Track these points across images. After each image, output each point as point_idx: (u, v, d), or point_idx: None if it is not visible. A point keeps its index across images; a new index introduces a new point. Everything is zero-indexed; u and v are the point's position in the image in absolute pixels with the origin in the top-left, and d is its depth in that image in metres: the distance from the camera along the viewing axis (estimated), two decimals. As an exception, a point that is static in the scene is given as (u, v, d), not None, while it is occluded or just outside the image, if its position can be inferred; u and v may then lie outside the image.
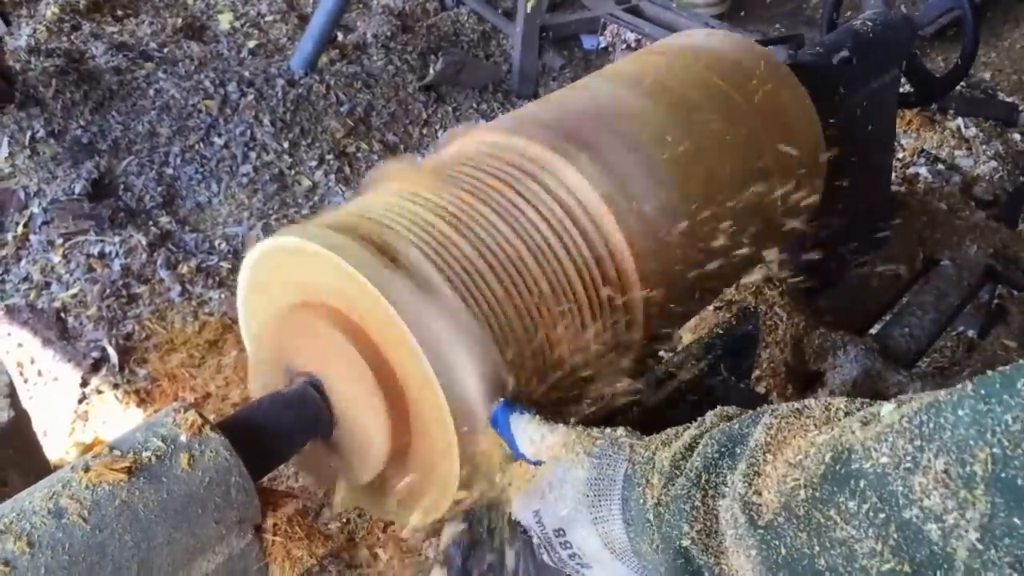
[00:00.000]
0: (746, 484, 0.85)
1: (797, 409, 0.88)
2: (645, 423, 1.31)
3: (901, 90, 2.20)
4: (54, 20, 4.37)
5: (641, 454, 1.01)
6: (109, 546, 0.99)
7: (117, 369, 2.89)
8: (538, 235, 1.29)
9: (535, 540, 1.12)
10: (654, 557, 0.97)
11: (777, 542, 0.80)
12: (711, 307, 1.97)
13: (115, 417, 2.76)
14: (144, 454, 1.05)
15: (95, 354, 2.92)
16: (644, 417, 1.34)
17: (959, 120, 2.77)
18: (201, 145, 3.79)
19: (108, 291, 3.12)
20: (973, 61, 2.16)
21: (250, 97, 4.00)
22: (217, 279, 3.25)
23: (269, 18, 4.74)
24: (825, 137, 1.75)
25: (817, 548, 0.76)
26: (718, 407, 1.01)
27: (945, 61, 4.46)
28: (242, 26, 4.65)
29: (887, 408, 0.76)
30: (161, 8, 4.74)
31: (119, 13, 4.65)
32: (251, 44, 4.47)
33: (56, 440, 2.66)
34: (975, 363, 1.97)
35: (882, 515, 0.70)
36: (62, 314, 3.05)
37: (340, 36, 4.55)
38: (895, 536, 0.69)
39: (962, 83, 2.72)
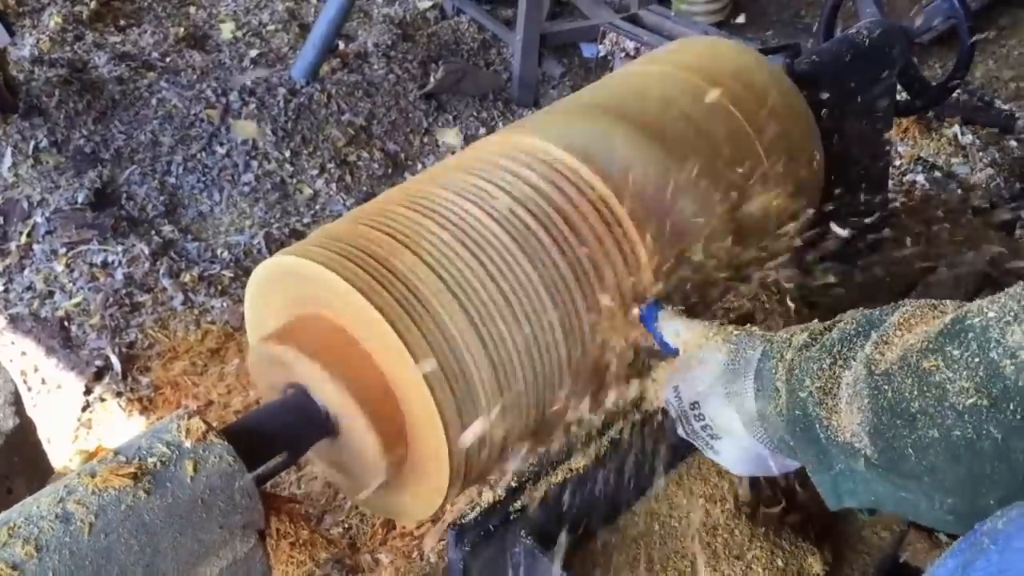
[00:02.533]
0: (873, 347, 0.94)
1: (934, 304, 0.97)
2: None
3: (897, 98, 2.22)
4: (57, 30, 4.40)
5: (780, 336, 1.12)
6: (115, 551, 1.01)
7: (120, 377, 2.91)
8: (534, 239, 1.31)
9: (672, 414, 1.24)
10: (776, 419, 1.07)
11: (887, 387, 0.88)
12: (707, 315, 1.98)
13: (118, 425, 2.77)
14: (149, 460, 1.06)
15: (98, 362, 2.93)
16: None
17: (956, 127, 2.79)
18: (203, 154, 3.82)
19: (111, 300, 3.14)
20: (968, 68, 2.18)
21: (252, 106, 4.02)
22: (219, 287, 3.26)
23: (271, 27, 4.77)
24: (822, 145, 1.76)
25: (916, 391, 0.84)
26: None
27: (943, 68, 4.48)
28: (244, 35, 4.68)
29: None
30: (163, 18, 4.77)
31: (122, 23, 4.68)
32: (253, 53, 4.49)
33: (60, 448, 2.68)
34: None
35: (976, 359, 0.79)
36: (65, 323, 3.06)
37: (341, 45, 4.58)
38: (981, 374, 0.78)
39: (959, 90, 2.74)
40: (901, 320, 0.95)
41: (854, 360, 0.96)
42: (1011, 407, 0.76)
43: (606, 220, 1.35)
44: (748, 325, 1.21)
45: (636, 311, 1.32)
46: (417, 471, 1.26)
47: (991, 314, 0.80)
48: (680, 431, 1.23)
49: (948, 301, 0.97)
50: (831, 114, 1.87)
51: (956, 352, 0.82)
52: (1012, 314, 0.78)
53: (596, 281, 1.33)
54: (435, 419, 1.16)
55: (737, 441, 1.16)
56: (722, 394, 1.14)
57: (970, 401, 0.79)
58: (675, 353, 1.26)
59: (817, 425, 0.99)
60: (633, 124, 1.48)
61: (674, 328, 1.26)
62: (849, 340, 1.00)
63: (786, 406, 1.04)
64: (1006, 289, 0.84)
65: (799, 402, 1.01)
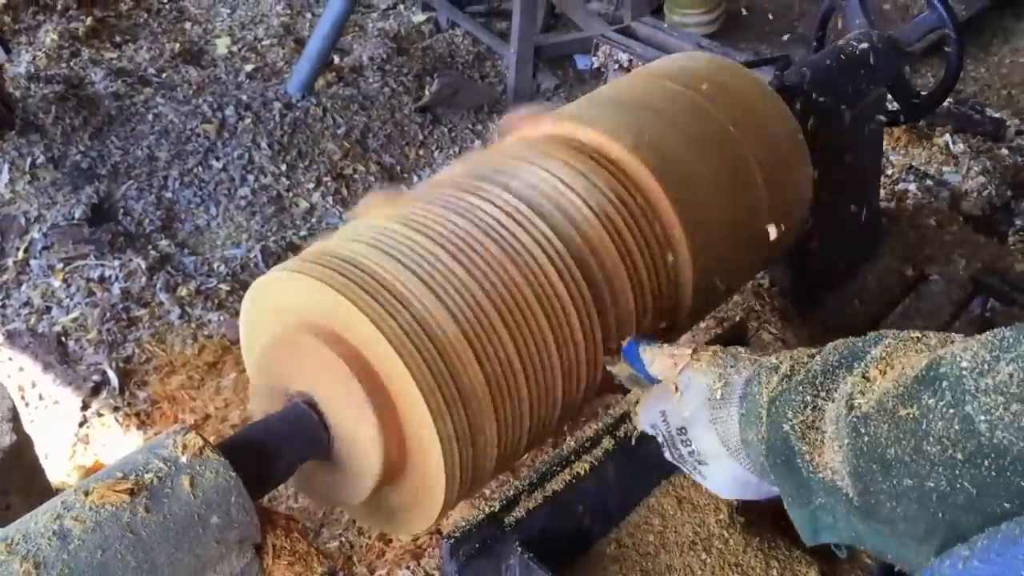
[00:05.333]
0: (853, 384, 0.93)
1: (916, 337, 0.95)
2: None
3: (888, 107, 2.24)
4: (53, 47, 4.42)
5: (768, 362, 1.11)
6: (112, 567, 1.01)
7: (117, 392, 2.91)
8: (529, 257, 1.32)
9: (659, 439, 1.24)
10: (758, 445, 1.06)
11: (864, 430, 0.88)
12: (702, 323, 1.99)
13: (116, 440, 2.77)
14: (146, 476, 1.07)
15: (95, 377, 2.94)
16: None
17: (947, 136, 2.81)
18: (199, 169, 3.83)
19: (108, 315, 3.15)
20: (958, 78, 2.20)
21: (248, 120, 4.04)
22: (216, 301, 3.27)
23: (266, 42, 4.79)
24: (813, 155, 1.78)
25: (892, 438, 0.84)
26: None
27: (934, 77, 4.51)
28: (239, 50, 4.70)
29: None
30: (159, 33, 4.79)
31: (118, 39, 4.69)
32: (248, 68, 4.51)
33: (57, 463, 2.68)
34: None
35: (951, 410, 0.79)
36: (63, 338, 3.07)
37: (336, 59, 4.60)
38: (955, 427, 0.78)
39: (950, 99, 2.75)
40: (883, 354, 0.94)
41: (836, 394, 0.96)
42: (985, 463, 0.75)
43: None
44: (735, 347, 1.21)
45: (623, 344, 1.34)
46: (413, 485, 1.27)
47: (964, 363, 0.80)
48: (667, 455, 1.24)
49: (932, 333, 0.96)
50: (821, 124, 1.89)
51: (931, 402, 0.81)
52: (985, 364, 0.78)
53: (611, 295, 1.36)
54: (432, 433, 1.17)
55: (724, 466, 1.16)
56: (707, 419, 1.14)
57: (945, 454, 0.79)
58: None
59: (798, 459, 0.99)
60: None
61: (658, 359, 1.26)
62: (832, 372, 0.99)
63: (767, 436, 1.04)
64: (978, 335, 0.83)
65: (781, 434, 1.01)
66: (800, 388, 1.00)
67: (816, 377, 0.99)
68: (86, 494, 1.04)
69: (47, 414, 2.83)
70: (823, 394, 0.97)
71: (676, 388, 1.20)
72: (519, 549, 1.27)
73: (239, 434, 1.23)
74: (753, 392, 1.08)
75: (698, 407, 1.16)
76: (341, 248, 1.29)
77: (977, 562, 0.69)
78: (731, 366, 1.15)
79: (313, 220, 3.75)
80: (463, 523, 1.23)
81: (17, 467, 2.01)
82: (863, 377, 0.93)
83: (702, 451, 1.17)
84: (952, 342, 0.91)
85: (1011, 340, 0.77)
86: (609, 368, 1.35)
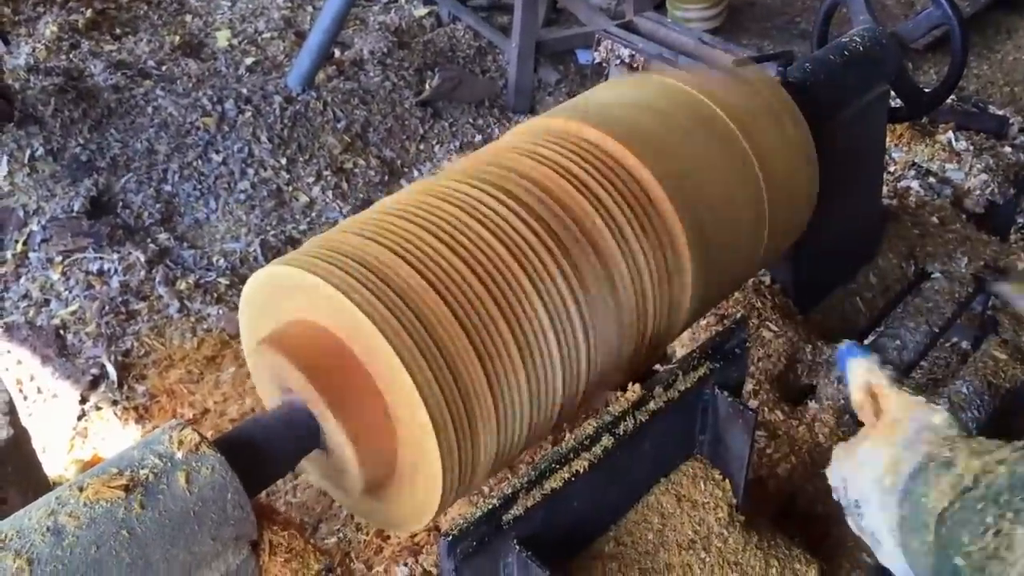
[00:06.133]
0: None
1: None
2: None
3: (891, 104, 2.22)
4: (53, 39, 4.40)
5: (942, 455, 0.97)
6: (106, 563, 1.00)
7: (116, 386, 2.91)
8: (522, 242, 1.31)
9: (842, 503, 1.17)
10: (923, 559, 0.93)
11: None
12: (703, 321, 1.98)
13: (114, 434, 2.77)
14: (141, 472, 1.06)
15: (94, 371, 2.93)
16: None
17: (950, 133, 2.79)
18: (199, 162, 3.82)
19: (107, 308, 3.14)
20: (961, 75, 2.19)
21: (248, 114, 4.03)
22: (215, 295, 3.26)
23: (266, 35, 4.78)
24: (817, 151, 1.77)
25: None
26: None
27: (937, 73, 4.50)
28: (240, 43, 4.69)
29: None
30: (159, 26, 4.77)
31: (117, 31, 4.68)
32: (249, 61, 4.50)
33: (55, 457, 2.67)
34: (967, 375, 1.99)
35: None
36: (61, 331, 3.06)
37: (337, 53, 4.59)
38: None
39: (953, 96, 2.74)
40: None
41: None
42: None
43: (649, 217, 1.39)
44: (930, 410, 1.09)
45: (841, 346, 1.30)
46: (410, 482, 1.26)
47: None
48: (850, 523, 1.16)
49: None
50: (824, 121, 1.88)
51: None
52: None
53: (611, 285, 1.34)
54: (427, 430, 1.16)
55: (894, 557, 1.04)
56: (878, 502, 1.05)
57: None
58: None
59: None
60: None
61: (857, 385, 1.20)
62: (1021, 489, 0.84)
63: (934, 563, 0.90)
64: None
65: (951, 566, 0.87)
66: (981, 506, 0.86)
67: (1002, 493, 0.84)
68: (81, 490, 1.04)
69: (45, 407, 2.82)
70: (1010, 514, 0.83)
71: (858, 455, 1.12)
72: (517, 547, 1.26)
73: (236, 430, 1.22)
74: (918, 493, 0.96)
75: (871, 486, 1.06)
76: (336, 240, 1.28)
77: None
78: (908, 448, 1.03)
79: (313, 214, 3.74)
80: (461, 520, 1.22)
81: (14, 461, 2.00)
82: None
83: (876, 533, 1.07)
84: None
85: None
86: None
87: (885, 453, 1.05)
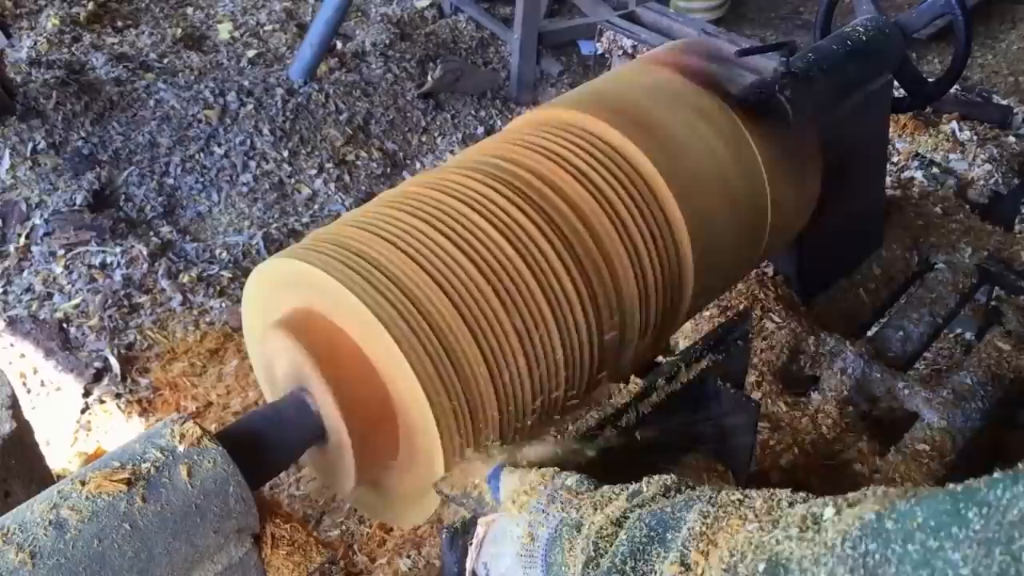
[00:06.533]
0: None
1: (738, 499, 0.82)
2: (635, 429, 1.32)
3: (895, 94, 2.21)
4: (55, 32, 4.40)
5: (571, 516, 0.97)
6: (109, 557, 1.00)
7: (119, 379, 2.91)
8: (531, 244, 1.30)
9: None
10: None
11: None
12: (706, 312, 1.98)
13: (117, 427, 2.77)
14: (143, 465, 1.06)
15: (97, 364, 2.94)
16: (637, 424, 1.36)
17: (954, 123, 2.78)
18: (201, 155, 3.82)
19: (110, 301, 3.14)
20: (965, 65, 2.17)
21: (250, 106, 4.02)
22: (218, 288, 3.26)
23: (268, 27, 4.76)
24: (819, 141, 1.76)
25: None
26: (656, 476, 0.97)
27: (941, 63, 4.48)
28: (241, 36, 4.67)
29: (828, 513, 0.71)
30: (161, 19, 4.76)
31: (119, 24, 4.67)
32: (250, 54, 4.49)
33: (59, 450, 2.68)
34: (970, 365, 1.98)
35: None
36: (64, 324, 3.07)
37: (339, 45, 4.58)
38: None
39: (957, 86, 2.73)
40: (702, 530, 0.81)
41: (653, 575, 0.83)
42: None
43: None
44: (562, 477, 1.05)
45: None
46: (412, 473, 1.26)
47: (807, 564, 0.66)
48: None
49: (754, 493, 0.82)
50: (827, 111, 1.87)
51: None
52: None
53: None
54: (430, 423, 1.16)
55: None
56: None
57: None
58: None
59: None
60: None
61: (508, 483, 1.11)
62: (642, 551, 0.85)
63: None
64: (822, 519, 0.70)
65: None
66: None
67: (625, 561, 0.85)
68: (83, 483, 1.04)
69: (49, 401, 2.83)
70: None
71: (494, 537, 1.06)
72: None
73: (238, 423, 1.22)
74: (558, 561, 0.95)
75: (512, 563, 1.02)
76: (337, 233, 1.28)
77: None
78: (541, 515, 1.00)
79: (315, 207, 3.74)
80: (463, 513, 1.22)
81: (17, 454, 2.00)
82: (682, 566, 0.79)
83: None
84: (779, 501, 0.78)
85: (875, 557, 0.61)
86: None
87: (522, 522, 1.02)
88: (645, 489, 0.95)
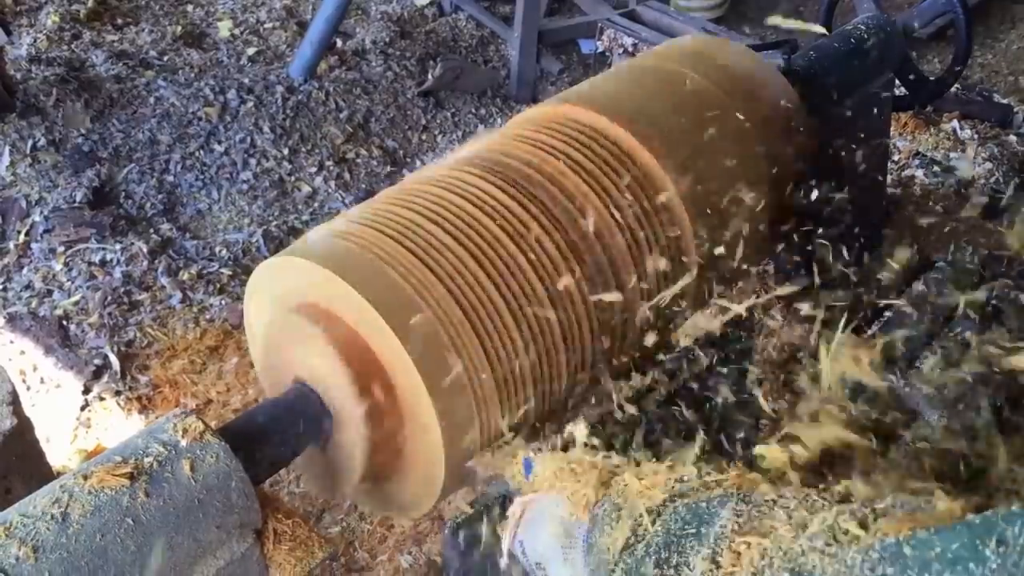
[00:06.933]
0: (707, 571, 0.82)
1: (772, 500, 0.84)
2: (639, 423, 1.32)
3: (896, 93, 2.21)
4: (55, 29, 4.39)
5: (611, 501, 1.00)
6: (111, 551, 1.01)
7: (119, 376, 2.91)
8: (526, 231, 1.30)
9: (523, 565, 1.13)
10: None
11: None
12: (707, 310, 1.98)
13: (117, 424, 2.77)
14: (146, 460, 1.06)
15: (97, 361, 2.93)
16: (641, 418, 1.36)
17: (954, 122, 2.78)
18: (201, 152, 3.81)
19: (109, 298, 3.14)
20: (966, 64, 2.18)
21: (250, 104, 4.02)
22: (218, 285, 3.26)
23: (268, 25, 4.76)
24: (821, 140, 1.77)
25: None
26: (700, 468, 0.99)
27: (942, 62, 4.48)
28: (241, 33, 4.67)
29: (853, 528, 0.73)
30: (161, 16, 4.76)
31: (119, 22, 4.67)
32: (250, 51, 4.49)
33: (59, 447, 2.68)
34: (970, 365, 1.98)
35: None
36: (64, 321, 3.06)
37: (339, 43, 4.57)
38: None
39: (957, 85, 2.73)
40: (736, 528, 0.83)
41: (686, 567, 0.86)
42: None
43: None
44: (600, 457, 1.08)
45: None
46: (413, 467, 1.26)
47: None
48: None
49: (789, 492, 0.84)
50: (828, 109, 1.87)
51: None
52: None
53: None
54: (431, 415, 1.16)
55: None
56: (561, 557, 1.05)
57: None
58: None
59: None
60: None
61: (544, 465, 1.13)
62: (677, 543, 0.88)
63: None
64: (847, 535, 0.72)
65: None
66: (644, 563, 0.89)
67: (660, 550, 0.89)
68: (85, 478, 1.04)
69: (48, 398, 2.83)
70: (669, 571, 0.87)
71: (532, 517, 1.09)
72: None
73: (240, 418, 1.22)
74: (599, 543, 0.98)
75: (552, 542, 1.05)
76: (338, 230, 1.28)
77: None
78: (583, 493, 1.03)
79: (315, 204, 3.73)
80: (464, 509, 1.22)
81: (18, 451, 2.00)
82: (713, 563, 0.82)
83: None
84: (814, 502, 0.80)
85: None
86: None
87: (561, 501, 1.04)
88: (686, 480, 0.98)
